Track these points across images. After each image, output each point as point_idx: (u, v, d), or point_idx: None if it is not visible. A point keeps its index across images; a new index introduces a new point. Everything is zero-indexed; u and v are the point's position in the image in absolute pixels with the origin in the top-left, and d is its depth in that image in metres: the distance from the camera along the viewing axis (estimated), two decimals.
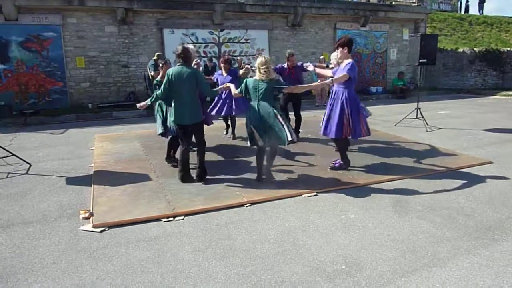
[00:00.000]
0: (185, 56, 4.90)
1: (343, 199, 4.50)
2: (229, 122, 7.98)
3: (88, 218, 4.04)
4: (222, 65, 7.42)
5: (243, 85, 5.00)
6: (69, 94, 12.26)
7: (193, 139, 5.32)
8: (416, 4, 17.25)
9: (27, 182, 5.33)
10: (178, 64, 4.93)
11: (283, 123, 4.77)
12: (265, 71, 4.80)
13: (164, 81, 4.96)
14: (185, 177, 5.09)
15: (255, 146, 5.04)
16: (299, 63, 7.43)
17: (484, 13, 26.57)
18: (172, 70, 4.91)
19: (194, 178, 5.14)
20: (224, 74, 7.31)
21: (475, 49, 18.22)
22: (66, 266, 3.13)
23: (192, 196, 4.59)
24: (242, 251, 3.33)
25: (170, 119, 5.24)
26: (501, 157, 6.21)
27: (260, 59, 4.87)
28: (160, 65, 5.49)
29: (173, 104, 5.01)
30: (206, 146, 5.36)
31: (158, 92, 5.12)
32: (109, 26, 12.47)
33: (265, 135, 4.83)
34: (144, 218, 3.99)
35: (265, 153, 5.02)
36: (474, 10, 29.55)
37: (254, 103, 4.89)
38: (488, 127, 8.81)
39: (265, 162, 5.08)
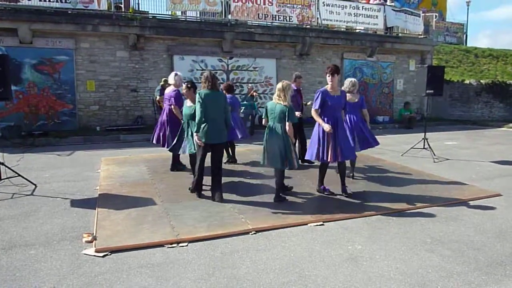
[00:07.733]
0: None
1: (349, 229, 4.42)
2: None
3: (91, 242, 4.00)
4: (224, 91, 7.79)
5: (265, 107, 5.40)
6: (78, 117, 12.41)
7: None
8: (422, 36, 17.49)
9: (32, 204, 5.32)
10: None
11: (291, 149, 5.17)
12: (279, 95, 5.19)
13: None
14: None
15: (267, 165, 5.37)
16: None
17: (490, 46, 26.90)
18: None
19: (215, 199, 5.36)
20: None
21: (481, 81, 18.31)
22: None
23: (197, 222, 4.54)
24: (246, 281, 3.25)
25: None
26: (510, 189, 6.10)
27: (279, 84, 5.26)
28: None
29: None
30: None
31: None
32: (121, 51, 12.75)
33: (275, 155, 5.15)
34: (147, 243, 3.94)
35: (276, 172, 5.34)
36: (472, 42, 29.99)
37: (270, 124, 5.28)
38: (496, 159, 8.73)
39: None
